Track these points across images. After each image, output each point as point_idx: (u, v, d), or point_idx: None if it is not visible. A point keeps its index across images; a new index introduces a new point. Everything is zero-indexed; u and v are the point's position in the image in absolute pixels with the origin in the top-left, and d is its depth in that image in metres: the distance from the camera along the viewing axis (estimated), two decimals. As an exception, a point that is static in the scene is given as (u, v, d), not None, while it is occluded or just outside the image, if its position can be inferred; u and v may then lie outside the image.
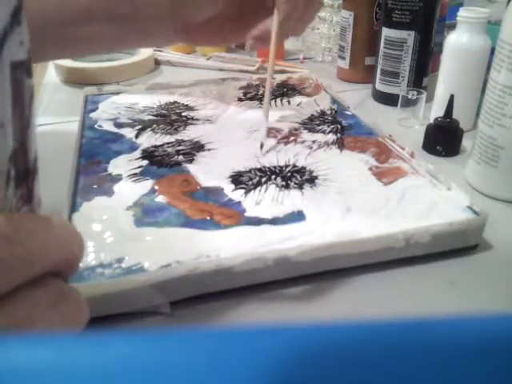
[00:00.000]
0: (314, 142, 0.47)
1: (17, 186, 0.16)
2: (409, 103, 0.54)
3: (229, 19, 0.42)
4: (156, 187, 0.38)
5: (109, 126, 0.50)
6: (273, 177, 0.40)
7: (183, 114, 0.53)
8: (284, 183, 0.39)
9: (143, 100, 0.56)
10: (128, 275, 0.29)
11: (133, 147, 0.45)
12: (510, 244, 0.35)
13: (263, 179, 0.40)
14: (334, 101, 0.57)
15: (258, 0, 0.41)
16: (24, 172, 0.16)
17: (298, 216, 0.35)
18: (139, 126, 0.50)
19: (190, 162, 0.43)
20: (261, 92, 0.59)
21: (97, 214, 0.35)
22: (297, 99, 0.57)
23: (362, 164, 0.42)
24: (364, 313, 0.29)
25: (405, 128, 0.54)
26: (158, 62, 0.78)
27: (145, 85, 0.61)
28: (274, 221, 0.34)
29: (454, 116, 0.47)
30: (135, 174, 0.40)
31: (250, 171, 0.41)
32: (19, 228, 0.14)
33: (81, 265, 0.29)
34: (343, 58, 0.69)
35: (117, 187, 0.38)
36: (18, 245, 0.14)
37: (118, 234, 0.32)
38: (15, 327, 0.14)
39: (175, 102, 0.56)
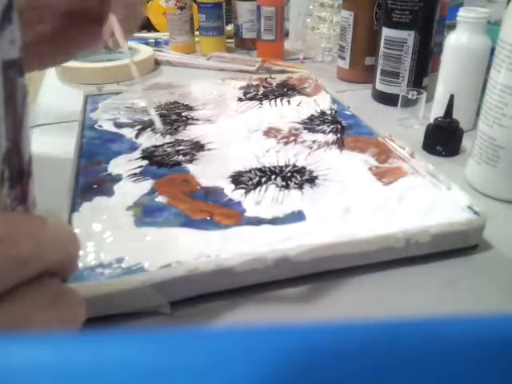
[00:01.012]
0: (314, 141, 0.47)
1: (11, 187, 0.16)
2: (409, 103, 0.54)
3: (55, 40, 0.39)
4: (156, 187, 0.38)
5: (109, 126, 0.50)
6: (273, 177, 0.40)
7: (183, 114, 0.53)
8: (284, 183, 0.39)
9: (143, 100, 0.56)
10: (128, 275, 0.29)
11: (133, 147, 0.45)
12: (510, 244, 0.35)
13: (263, 179, 0.40)
14: (333, 101, 0.56)
15: (83, 20, 0.39)
16: (18, 172, 0.16)
17: (298, 216, 0.35)
18: (139, 126, 0.50)
19: (190, 162, 0.43)
20: (261, 92, 0.59)
21: (97, 214, 0.35)
22: (297, 99, 0.57)
23: (362, 164, 0.42)
24: (364, 313, 0.29)
25: (405, 128, 0.54)
26: (158, 62, 0.78)
27: (145, 85, 0.61)
28: (274, 221, 0.34)
29: (454, 116, 0.47)
30: (135, 174, 0.40)
31: (249, 171, 0.41)
32: (13, 228, 0.14)
33: (81, 265, 0.29)
34: (343, 58, 0.69)
35: (117, 187, 0.38)
36: (12, 245, 0.14)
37: (118, 234, 0.32)
38: (12, 327, 0.14)
39: (175, 102, 0.56)
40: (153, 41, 0.89)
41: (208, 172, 0.41)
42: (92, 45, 0.42)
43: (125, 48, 0.43)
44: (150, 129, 0.49)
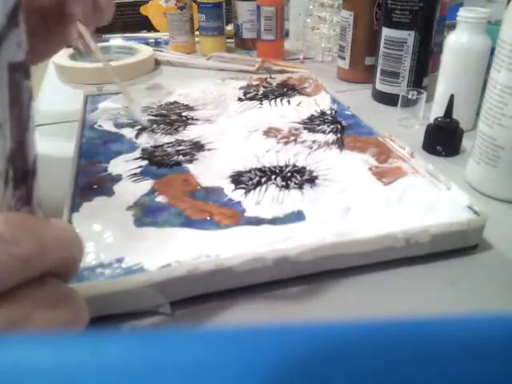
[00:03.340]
0: (314, 141, 0.47)
1: (15, 187, 0.16)
2: (409, 103, 0.54)
3: (36, 35, 0.41)
4: (156, 187, 0.38)
5: (109, 126, 0.50)
6: (273, 177, 0.40)
7: (183, 114, 0.53)
8: (284, 183, 0.39)
9: (143, 100, 0.56)
10: (128, 275, 0.29)
11: (133, 147, 0.45)
12: (510, 244, 0.35)
13: (263, 179, 0.40)
14: (333, 101, 0.56)
15: (58, 12, 0.41)
16: (23, 173, 0.16)
17: (297, 216, 0.35)
18: (139, 126, 0.50)
19: (190, 162, 0.43)
20: (261, 92, 0.59)
21: (97, 214, 0.35)
22: (297, 99, 0.57)
23: (362, 164, 0.42)
24: (364, 313, 0.29)
25: (405, 128, 0.54)
26: (158, 62, 0.78)
27: (145, 85, 0.61)
28: (274, 221, 0.34)
29: (454, 116, 0.47)
30: (135, 174, 0.40)
31: (249, 171, 0.41)
32: (16, 228, 0.14)
33: (81, 265, 0.29)
34: (343, 58, 0.69)
35: (117, 187, 0.38)
36: (14, 245, 0.14)
37: (117, 234, 0.32)
38: (13, 327, 0.14)
39: (175, 102, 0.56)
40: (153, 41, 0.89)
41: (208, 172, 0.41)
42: (58, 47, 0.44)
43: (95, 49, 0.45)
44: (149, 129, 0.49)
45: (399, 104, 0.54)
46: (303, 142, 0.47)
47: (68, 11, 0.41)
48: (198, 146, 0.46)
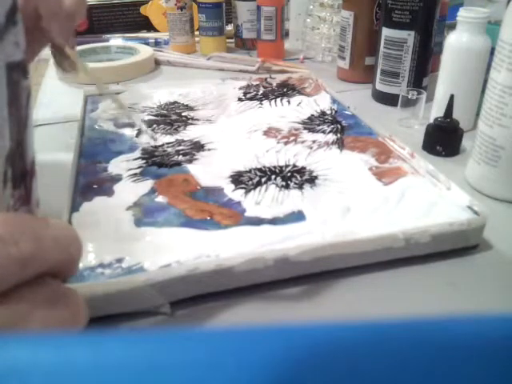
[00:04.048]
0: (314, 142, 0.47)
1: (14, 187, 0.16)
2: (409, 103, 0.54)
3: None
4: (156, 187, 0.38)
5: (109, 126, 0.50)
6: (273, 177, 0.40)
7: (183, 114, 0.53)
8: (284, 183, 0.39)
9: (143, 100, 0.56)
10: (128, 275, 0.29)
11: (133, 147, 0.45)
12: (510, 244, 0.35)
13: (263, 179, 0.40)
14: (333, 101, 0.56)
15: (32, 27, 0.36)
16: (21, 173, 0.16)
17: (297, 216, 0.35)
18: (139, 126, 0.50)
19: (190, 162, 0.43)
20: (261, 92, 0.59)
21: (97, 213, 0.35)
22: (297, 99, 0.57)
23: (362, 164, 0.42)
24: (364, 313, 0.29)
25: (405, 128, 0.54)
26: (158, 62, 0.78)
27: (145, 84, 0.61)
28: (274, 221, 0.34)
29: (454, 116, 0.47)
30: (135, 174, 0.40)
31: (249, 171, 0.41)
32: (14, 228, 0.14)
33: (81, 265, 0.29)
34: (343, 58, 0.69)
35: (117, 187, 0.38)
36: (13, 245, 0.14)
37: (117, 234, 0.32)
38: (11, 327, 0.14)
39: (175, 102, 0.56)
40: (153, 41, 0.89)
41: (208, 172, 0.41)
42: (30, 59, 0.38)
43: (82, 69, 0.39)
44: (150, 129, 0.49)
45: (399, 104, 0.54)
46: (303, 141, 0.47)
47: (44, 26, 0.36)
48: (197, 146, 0.46)
